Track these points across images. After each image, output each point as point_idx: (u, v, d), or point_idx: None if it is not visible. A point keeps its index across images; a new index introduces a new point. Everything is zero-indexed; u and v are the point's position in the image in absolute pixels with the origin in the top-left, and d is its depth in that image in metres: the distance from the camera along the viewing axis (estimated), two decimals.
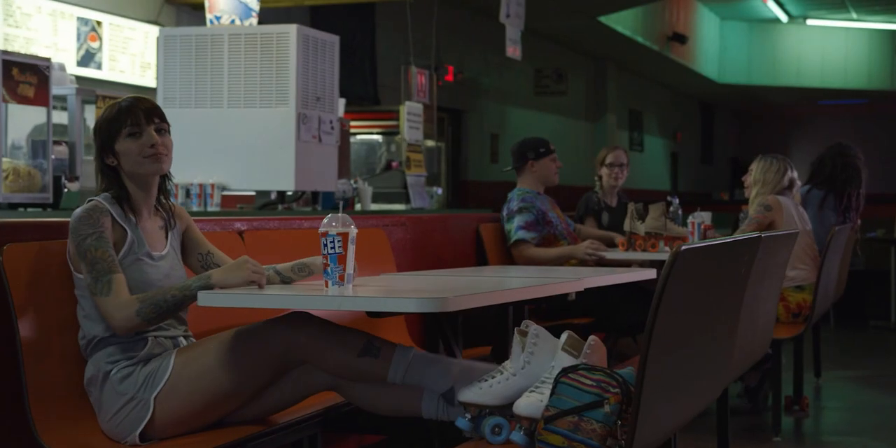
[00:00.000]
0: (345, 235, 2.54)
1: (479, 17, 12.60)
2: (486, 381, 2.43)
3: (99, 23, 7.60)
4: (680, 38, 16.98)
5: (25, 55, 4.24)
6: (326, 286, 2.55)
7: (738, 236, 2.67)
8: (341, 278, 2.54)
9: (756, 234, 2.82)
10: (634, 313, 4.89)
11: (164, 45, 5.51)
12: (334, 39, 5.70)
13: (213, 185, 5.43)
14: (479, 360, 3.91)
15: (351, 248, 2.55)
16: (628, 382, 2.23)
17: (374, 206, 6.82)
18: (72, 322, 2.60)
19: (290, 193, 5.58)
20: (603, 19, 14.21)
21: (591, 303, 4.83)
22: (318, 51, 5.58)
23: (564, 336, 2.38)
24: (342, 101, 6.76)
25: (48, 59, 4.30)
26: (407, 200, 6.99)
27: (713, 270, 2.41)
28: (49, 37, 7.18)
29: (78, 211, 2.58)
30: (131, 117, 2.62)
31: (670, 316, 2.14)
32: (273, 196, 5.65)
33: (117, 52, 7.75)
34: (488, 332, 3.70)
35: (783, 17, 19.16)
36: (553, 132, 14.36)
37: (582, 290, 3.06)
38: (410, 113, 7.08)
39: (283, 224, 3.58)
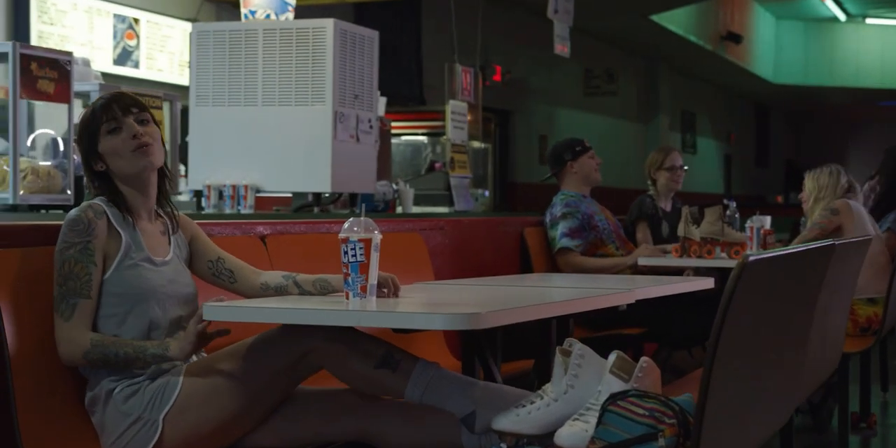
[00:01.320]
0: (367, 242, 2.28)
1: (527, 15, 12.32)
2: (523, 406, 2.16)
3: (136, 20, 7.43)
4: (734, 38, 16.59)
5: (45, 49, 4.03)
6: (347, 297, 2.30)
7: (809, 244, 2.37)
8: (363, 289, 2.29)
9: (829, 242, 2.52)
10: (690, 324, 4.60)
11: (196, 41, 5.30)
12: (373, 34, 5.46)
13: (246, 187, 5.20)
14: (521, 376, 3.67)
15: (374, 256, 2.29)
16: (686, 412, 1.95)
17: (416, 209, 6.57)
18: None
19: (326, 195, 5.33)
20: (655, 18, 13.88)
21: (643, 312, 4.51)
22: (357, 46, 5.34)
23: (613, 357, 2.10)
24: (383, 100, 6.52)
25: (69, 54, 4.08)
26: (450, 203, 6.73)
27: (783, 282, 2.13)
28: (85, 34, 7.02)
29: (72, 212, 2.38)
30: (106, 113, 2.42)
31: (736, 335, 1.85)
32: (309, 198, 5.42)
33: (155, 50, 7.58)
34: (532, 342, 3.43)
35: (841, 16, 18.67)
36: (603, 134, 14.03)
37: (633, 302, 2.78)
38: (454, 112, 6.82)
39: (310, 228, 3.34)
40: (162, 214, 2.55)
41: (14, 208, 3.93)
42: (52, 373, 2.34)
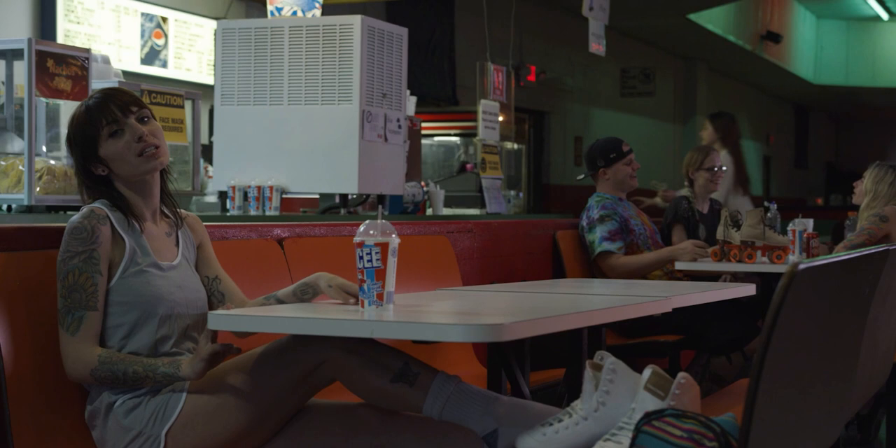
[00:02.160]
0: (384, 246, 2.13)
1: (562, 15, 12.15)
2: (550, 425, 2.00)
3: (164, 19, 7.33)
4: (774, 37, 16.30)
5: (62, 45, 3.92)
6: (362, 305, 2.15)
7: (862, 251, 2.19)
8: (380, 297, 2.14)
9: (882, 247, 2.34)
10: (729, 330, 4.42)
11: (221, 39, 5.18)
12: (402, 32, 5.31)
13: (271, 188, 5.07)
14: (551, 386, 3.50)
15: (391, 261, 2.14)
16: (728, 434, 1.78)
17: (447, 211, 6.42)
18: None
19: (353, 197, 5.19)
20: (693, 17, 13.65)
21: (679, 318, 4.35)
22: (385, 44, 5.19)
23: (648, 372, 1.93)
24: (412, 99, 6.37)
25: (87, 50, 3.97)
26: (482, 205, 6.57)
27: (835, 291, 1.95)
28: (112, 33, 6.93)
29: (74, 218, 2.24)
30: (106, 114, 2.27)
31: (784, 349, 1.68)
32: (337, 199, 5.28)
33: (183, 49, 7.48)
34: (562, 350, 3.26)
35: (884, 15, 18.32)
36: (639, 135, 13.81)
37: (669, 310, 2.61)
38: (486, 112, 6.66)
39: (331, 231, 3.19)
40: (167, 213, 2.41)
41: (30, 209, 3.82)
42: (50, 384, 2.20)
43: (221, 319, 2.03)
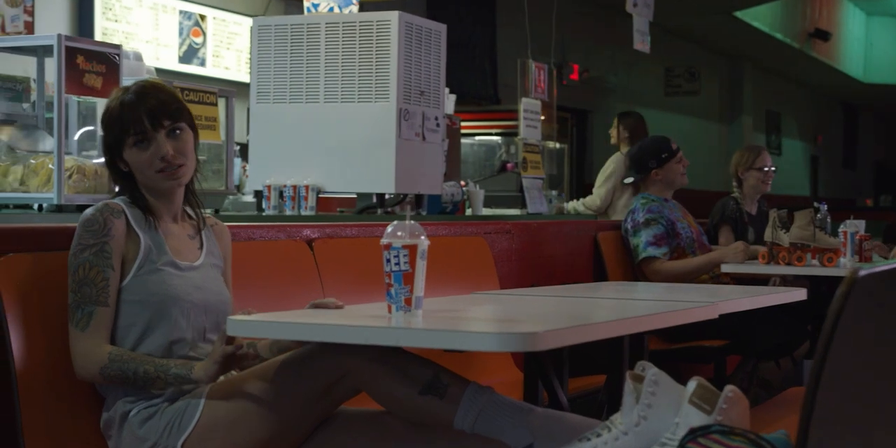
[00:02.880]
0: (412, 248, 2.01)
1: (606, 13, 11.99)
2: (588, 440, 1.87)
3: (203, 17, 7.27)
4: (822, 35, 16.02)
5: (92, 41, 3.86)
6: (389, 311, 2.03)
7: None
8: (408, 302, 2.02)
9: None
10: (777, 334, 4.26)
11: (257, 36, 5.09)
12: (441, 28, 5.20)
13: (307, 187, 4.98)
14: (591, 394, 3.37)
15: (420, 265, 2.02)
16: None
17: (487, 211, 6.30)
18: None
19: (389, 196, 5.08)
20: (739, 15, 13.44)
21: (725, 322, 4.17)
22: (423, 40, 5.08)
23: (693, 385, 1.80)
24: (451, 97, 6.27)
25: (118, 46, 3.89)
26: (522, 205, 6.44)
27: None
28: (150, 31, 6.88)
29: (87, 211, 2.15)
30: (134, 123, 2.17)
31: (843, 363, 1.54)
32: (374, 199, 5.17)
33: (222, 47, 7.42)
34: (604, 355, 3.13)
35: None
36: (684, 134, 13.59)
37: (716, 317, 2.48)
38: (527, 110, 6.53)
39: (363, 231, 3.08)
40: (191, 215, 2.31)
41: (59, 209, 3.76)
42: (65, 392, 2.11)
43: (240, 325, 1.93)
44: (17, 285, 2.05)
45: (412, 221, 2.03)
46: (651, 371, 1.86)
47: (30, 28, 6.05)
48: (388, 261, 2.02)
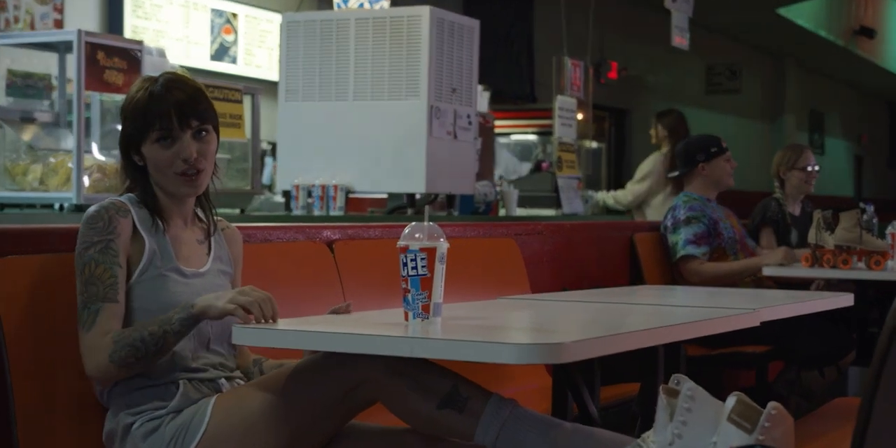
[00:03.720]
0: (431, 251, 1.89)
1: (645, 10, 11.81)
2: None
3: (234, 15, 7.20)
4: (868, 33, 15.71)
5: (113, 37, 3.77)
6: (406, 318, 1.91)
7: None
8: (425, 309, 1.90)
9: None
10: (821, 341, 4.09)
11: (286, 32, 5.01)
12: (473, 24, 5.08)
13: (335, 187, 4.88)
14: (623, 404, 3.22)
15: (439, 269, 1.90)
16: None
17: (521, 211, 6.17)
18: None
19: (419, 196, 4.96)
20: (783, 12, 13.19)
21: (767, 327, 4.02)
22: (455, 36, 4.96)
23: (732, 401, 1.66)
24: (485, 95, 6.14)
25: (140, 42, 3.81)
26: (558, 205, 6.30)
27: None
28: (181, 29, 6.81)
29: (92, 208, 2.03)
30: (161, 118, 2.03)
31: None
32: (404, 199, 5.06)
33: (253, 45, 7.33)
34: (638, 362, 2.99)
35: None
36: (725, 133, 13.30)
37: (757, 324, 2.33)
38: (562, 108, 6.39)
39: (386, 233, 2.96)
40: (202, 218, 2.19)
41: (78, 208, 3.67)
42: (65, 403, 2.00)
43: (246, 333, 1.81)
44: (16, 290, 1.95)
45: (431, 223, 1.91)
46: (686, 385, 1.72)
47: (59, 26, 6.00)
48: (405, 264, 1.90)
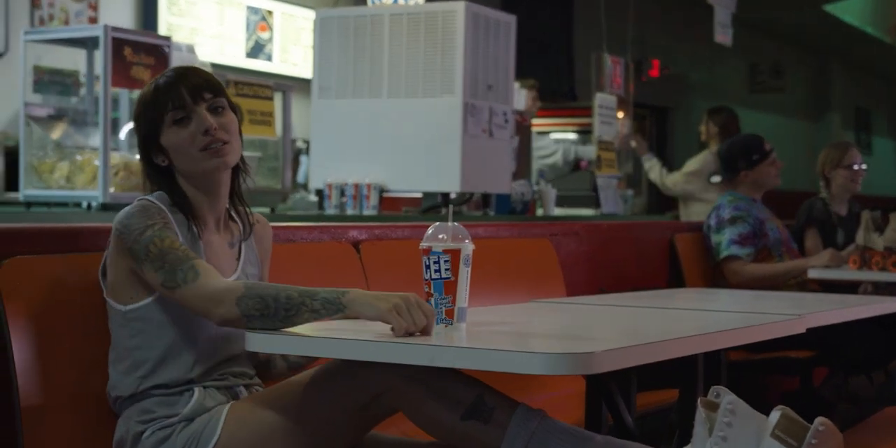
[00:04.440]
0: (454, 253, 1.78)
1: (688, 7, 11.64)
2: None
3: (270, 12, 7.14)
4: None
5: (140, 32, 3.70)
6: None
7: None
8: (449, 314, 1.80)
9: None
10: (869, 345, 3.95)
11: (320, 29, 4.93)
12: (510, 19, 4.97)
13: (368, 186, 4.79)
14: (661, 412, 3.10)
15: (464, 272, 1.80)
16: None
17: (559, 211, 6.05)
18: (96, 365, 1.94)
19: (454, 195, 4.86)
20: (829, 9, 12.95)
21: (813, 331, 3.89)
22: (491, 32, 4.86)
23: (776, 415, 1.55)
24: (522, 92, 6.03)
25: (168, 38, 3.74)
26: (596, 205, 6.18)
27: None
28: (215, 27, 6.76)
29: (126, 209, 1.90)
30: (173, 98, 1.93)
31: None
32: (438, 198, 4.96)
33: (289, 43, 7.27)
34: (676, 367, 2.86)
35: None
36: (768, 132, 13.08)
37: (803, 331, 2.21)
38: (602, 106, 6.27)
39: (415, 233, 2.85)
40: (235, 217, 2.07)
41: (104, 207, 3.60)
42: (73, 409, 1.92)
43: (259, 340, 1.71)
44: (23, 291, 1.87)
45: (455, 223, 1.80)
46: (727, 398, 1.60)
47: (93, 24, 5.96)
48: (428, 267, 1.80)
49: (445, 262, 1.78)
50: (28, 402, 1.83)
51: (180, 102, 1.93)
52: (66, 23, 5.85)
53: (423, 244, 1.81)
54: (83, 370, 1.91)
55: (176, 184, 1.98)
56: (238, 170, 2.05)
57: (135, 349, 1.91)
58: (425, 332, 1.71)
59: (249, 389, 1.98)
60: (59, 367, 1.90)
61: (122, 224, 1.87)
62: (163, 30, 6.32)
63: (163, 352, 1.90)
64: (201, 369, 1.92)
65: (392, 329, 1.70)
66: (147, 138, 1.97)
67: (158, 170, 1.98)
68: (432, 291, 1.80)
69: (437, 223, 1.82)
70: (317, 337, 1.68)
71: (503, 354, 1.52)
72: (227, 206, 2.04)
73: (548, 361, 1.48)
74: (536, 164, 7.07)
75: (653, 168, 6.68)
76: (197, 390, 1.91)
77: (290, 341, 1.69)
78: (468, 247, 1.80)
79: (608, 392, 2.17)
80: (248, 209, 2.08)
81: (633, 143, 6.85)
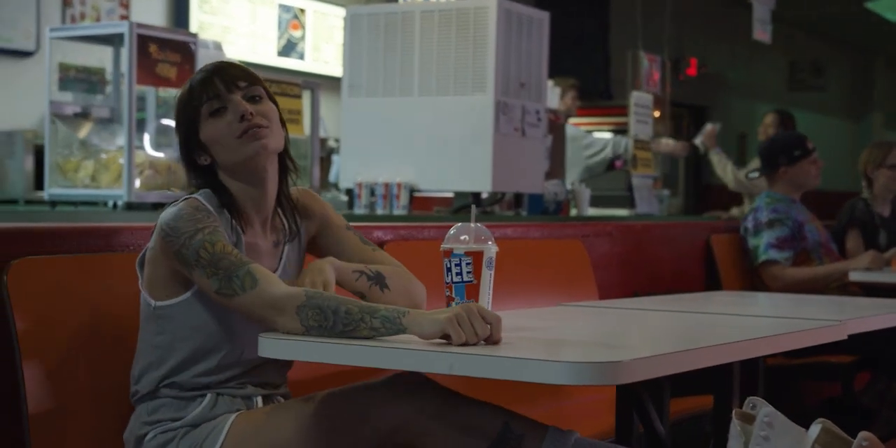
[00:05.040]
0: (477, 255, 1.70)
1: (725, 4, 11.48)
2: None
3: (302, 10, 7.09)
4: None
5: (166, 29, 3.65)
6: None
7: None
8: None
9: None
10: None
11: (350, 26, 4.86)
12: (543, 16, 4.88)
13: (399, 185, 4.72)
14: (695, 419, 3.01)
15: (487, 275, 1.72)
16: None
17: (593, 211, 5.94)
18: (106, 369, 1.88)
19: (485, 196, 4.78)
20: (871, 6, 12.72)
21: (855, 336, 3.78)
22: (524, 29, 4.77)
23: (816, 429, 1.45)
24: (556, 90, 5.94)
25: (194, 35, 3.68)
26: (632, 205, 6.06)
27: None
28: (247, 25, 6.72)
29: (172, 209, 1.81)
30: (207, 90, 1.85)
31: None
32: (469, 198, 4.88)
33: (321, 41, 7.22)
34: (711, 372, 2.76)
35: None
36: (808, 131, 12.90)
37: (845, 338, 2.11)
38: (637, 105, 6.15)
39: (441, 233, 2.75)
40: (283, 218, 1.96)
41: (129, 207, 3.55)
42: (80, 413, 1.86)
43: (271, 345, 1.64)
44: (31, 292, 1.81)
45: (478, 224, 1.72)
46: (764, 411, 1.51)
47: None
48: (449, 270, 1.72)
49: (467, 264, 1.70)
50: (36, 409, 1.77)
51: (214, 93, 1.85)
52: (98, 21, 5.83)
53: (445, 246, 1.73)
54: (93, 375, 1.85)
55: (221, 183, 1.89)
56: (286, 170, 1.95)
57: (157, 348, 1.84)
58: (490, 341, 1.59)
59: (269, 400, 1.90)
60: (68, 372, 1.84)
61: (170, 226, 1.79)
62: (194, 28, 6.30)
63: (185, 356, 1.83)
64: (221, 377, 1.85)
65: (450, 341, 1.58)
66: (187, 137, 1.89)
67: (202, 170, 1.90)
68: (453, 295, 1.72)
69: (460, 224, 1.74)
70: (331, 343, 1.60)
71: (524, 363, 1.43)
72: (275, 206, 1.94)
73: (572, 371, 1.39)
74: (585, 163, 6.94)
75: (720, 163, 6.58)
76: (209, 396, 1.84)
77: (300, 347, 1.62)
78: (491, 249, 1.72)
79: (639, 400, 2.08)
80: (295, 212, 1.97)
81: (699, 140, 6.74)
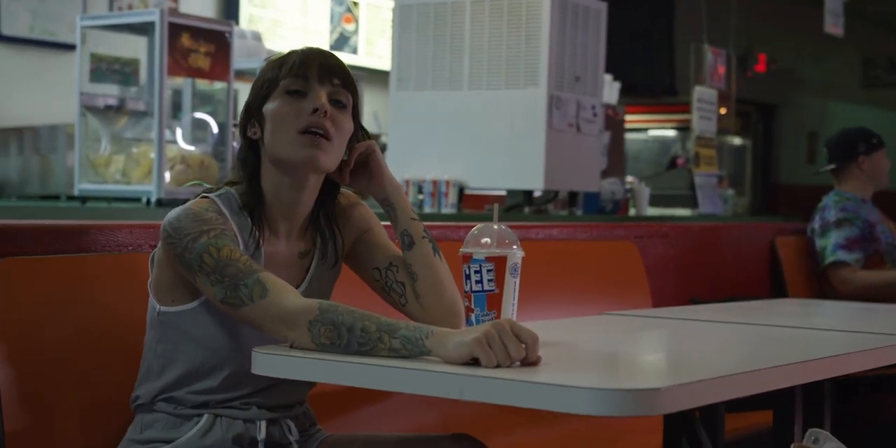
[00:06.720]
0: (500, 261, 1.50)
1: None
2: None
3: (355, 3, 6.93)
4: None
5: (198, 18, 3.50)
6: None
7: None
8: None
9: None
10: None
11: (399, 18, 4.70)
12: (600, 6, 4.66)
13: (447, 182, 4.55)
14: (757, 437, 2.77)
15: (511, 283, 1.51)
16: None
17: (653, 211, 5.70)
18: (95, 379, 1.71)
19: (538, 194, 4.58)
20: None
21: None
22: (579, 20, 4.56)
23: None
24: (614, 85, 5.70)
25: (230, 24, 3.53)
26: (694, 204, 5.82)
27: None
28: (298, 18, 6.57)
29: (178, 208, 1.64)
30: (300, 67, 1.66)
31: None
32: (521, 196, 4.68)
33: (375, 35, 7.05)
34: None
35: None
36: (883, 130, 12.48)
37: None
38: (701, 100, 5.91)
39: None
40: (317, 232, 1.76)
41: (160, 203, 3.41)
42: (68, 433, 1.69)
43: (267, 361, 1.45)
44: (15, 295, 1.65)
45: (501, 226, 1.52)
46: (828, 446, 1.29)
47: None
48: (468, 277, 1.52)
49: (488, 271, 1.49)
50: (13, 425, 1.61)
51: (303, 74, 1.65)
52: None
53: (464, 249, 1.53)
54: (79, 386, 1.68)
55: (257, 172, 1.69)
56: (335, 186, 1.75)
57: (158, 357, 1.67)
58: (526, 362, 1.38)
59: (276, 425, 1.70)
60: (51, 384, 1.67)
61: (172, 226, 1.60)
62: (244, 22, 6.17)
63: (185, 370, 1.65)
64: (223, 396, 1.67)
65: (481, 363, 1.37)
66: (253, 100, 1.70)
67: (248, 143, 1.70)
68: (473, 306, 1.52)
69: (482, 224, 1.54)
70: (327, 360, 1.41)
71: (544, 389, 1.22)
72: (308, 217, 1.74)
73: (597, 400, 1.18)
74: None
75: None
76: (206, 417, 1.65)
77: (296, 365, 1.43)
78: (516, 254, 1.51)
79: (689, 424, 1.86)
80: (336, 229, 1.77)
81: None
